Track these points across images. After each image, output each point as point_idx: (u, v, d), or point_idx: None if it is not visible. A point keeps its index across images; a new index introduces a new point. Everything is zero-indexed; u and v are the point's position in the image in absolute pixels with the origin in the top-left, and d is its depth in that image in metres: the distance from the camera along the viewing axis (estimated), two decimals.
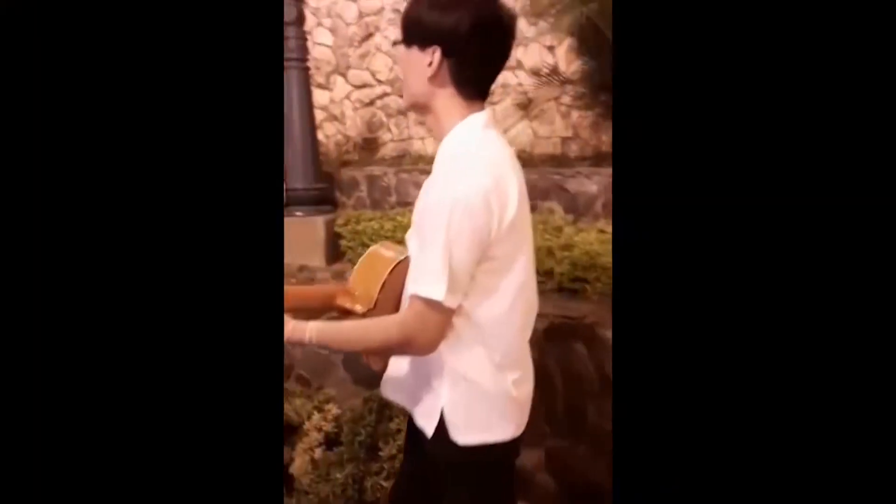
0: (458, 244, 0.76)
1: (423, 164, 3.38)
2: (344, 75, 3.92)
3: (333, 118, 3.97)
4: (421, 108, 0.86)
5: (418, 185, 3.09)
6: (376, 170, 2.98)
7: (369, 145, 3.89)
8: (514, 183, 0.80)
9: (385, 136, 3.89)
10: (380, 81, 3.84)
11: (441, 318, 0.79)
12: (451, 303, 0.78)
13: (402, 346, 0.83)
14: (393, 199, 2.91)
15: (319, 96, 3.88)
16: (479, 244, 0.77)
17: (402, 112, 3.85)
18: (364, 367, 1.70)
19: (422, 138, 3.92)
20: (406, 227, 2.39)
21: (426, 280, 0.77)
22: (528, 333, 0.92)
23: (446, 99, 0.82)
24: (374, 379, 2.08)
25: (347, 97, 3.95)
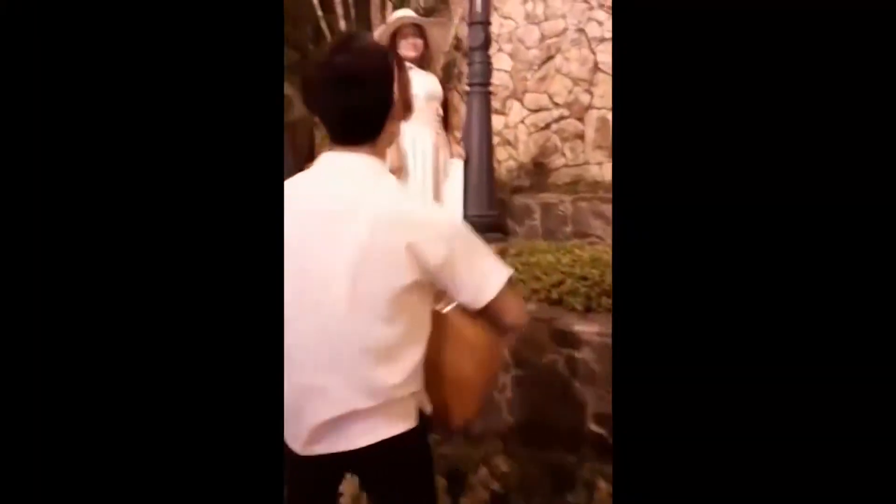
0: None
1: (602, 192, 3.10)
2: (520, 100, 3.83)
3: (507, 143, 3.90)
4: None
5: (597, 215, 2.83)
6: (552, 197, 2.80)
7: (541, 170, 3.73)
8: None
9: (558, 160, 3.70)
10: (556, 104, 3.67)
11: None
12: None
13: None
14: (569, 229, 2.69)
15: (494, 121, 3.84)
16: None
17: (579, 136, 3.63)
18: (531, 410, 1.49)
19: (598, 163, 3.64)
20: (587, 262, 2.16)
21: None
22: (333, 372, 0.86)
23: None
24: (546, 432, 1.85)
25: (522, 121, 3.85)
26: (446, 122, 2.50)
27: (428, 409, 0.94)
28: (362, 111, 0.85)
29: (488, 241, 2.52)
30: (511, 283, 0.90)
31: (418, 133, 2.38)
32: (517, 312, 0.93)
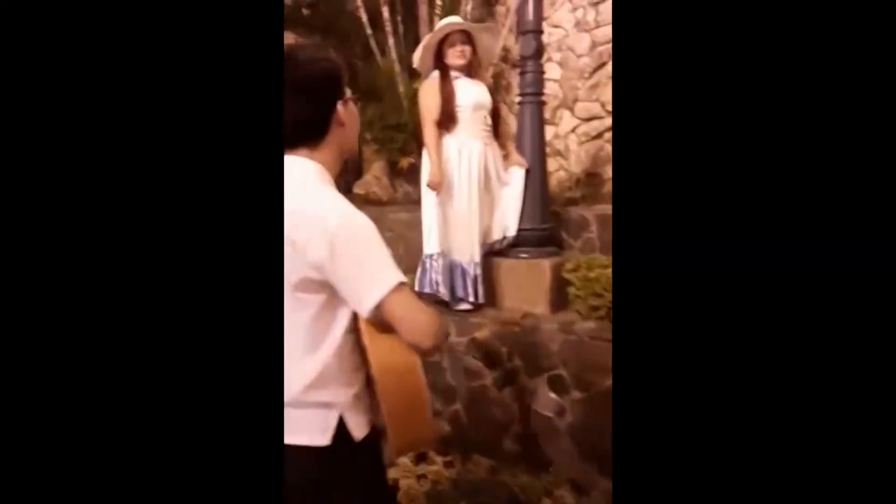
0: None
1: None
2: (571, 109, 3.73)
3: (557, 153, 3.80)
4: None
5: None
6: (609, 208, 2.67)
7: (594, 181, 3.60)
8: None
9: (610, 170, 3.56)
10: (609, 112, 3.55)
11: None
12: None
13: None
14: None
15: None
16: None
17: None
18: (596, 436, 1.37)
19: None
20: None
21: None
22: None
23: None
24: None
25: (573, 131, 3.74)
26: (496, 132, 2.43)
27: (356, 434, 0.88)
28: (301, 117, 0.90)
29: (543, 255, 2.43)
30: (404, 292, 0.83)
31: (464, 143, 2.31)
32: (414, 327, 0.84)
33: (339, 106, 0.92)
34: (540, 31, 2.38)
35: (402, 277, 0.85)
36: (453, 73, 2.32)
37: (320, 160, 0.92)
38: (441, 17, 3.16)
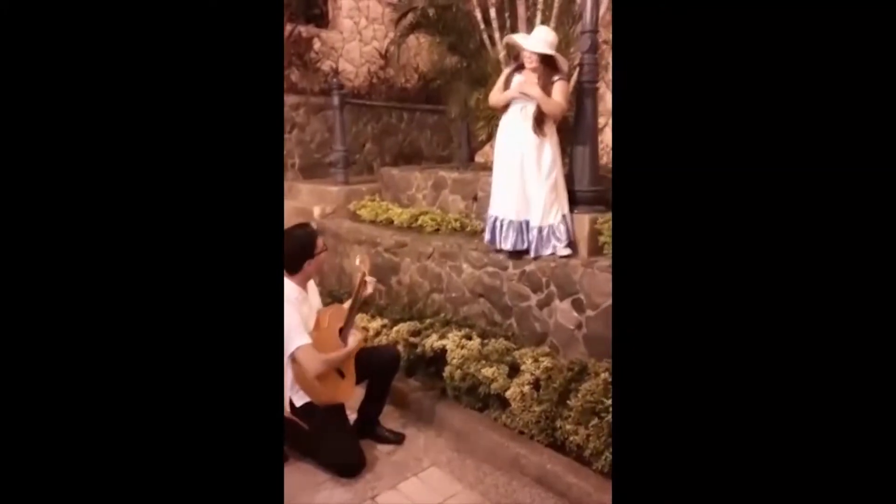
0: None
1: None
2: None
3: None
4: None
5: None
6: None
7: None
8: None
9: None
10: None
11: None
12: None
13: None
14: None
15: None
16: None
17: None
18: (601, 346, 2.06)
19: None
20: None
21: None
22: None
23: None
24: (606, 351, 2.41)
25: None
26: (542, 116, 3.01)
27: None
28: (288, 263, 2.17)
29: (591, 212, 3.06)
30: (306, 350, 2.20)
31: (510, 123, 3.00)
32: (301, 370, 2.24)
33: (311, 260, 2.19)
34: (595, 31, 2.95)
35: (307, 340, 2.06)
36: (522, 72, 2.99)
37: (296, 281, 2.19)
38: (535, 17, 3.80)
